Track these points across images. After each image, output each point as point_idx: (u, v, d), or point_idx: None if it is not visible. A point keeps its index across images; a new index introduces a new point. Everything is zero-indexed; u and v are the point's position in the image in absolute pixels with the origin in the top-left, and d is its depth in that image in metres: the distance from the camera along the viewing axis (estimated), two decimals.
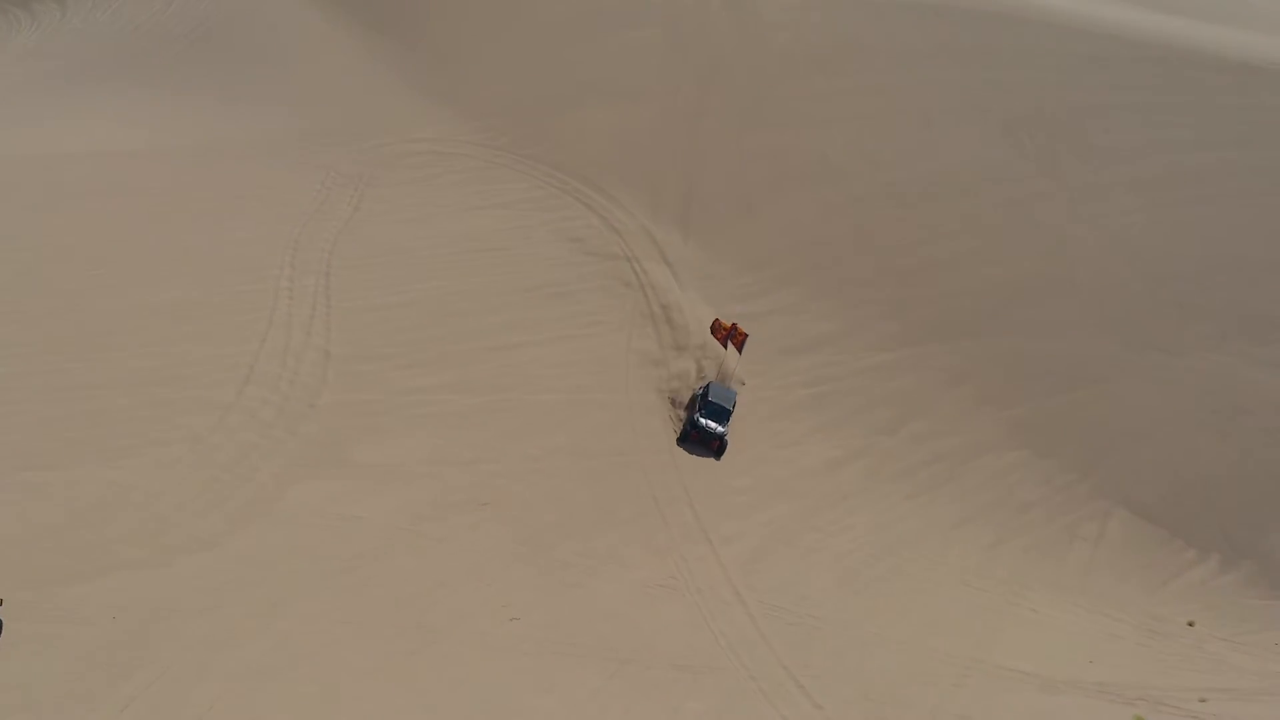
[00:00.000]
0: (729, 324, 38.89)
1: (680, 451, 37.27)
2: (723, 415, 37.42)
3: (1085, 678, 30.27)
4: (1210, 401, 38.68)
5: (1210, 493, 36.72)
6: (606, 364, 38.49)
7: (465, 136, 47.80)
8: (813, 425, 37.47)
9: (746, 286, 40.79)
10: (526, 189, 44.29)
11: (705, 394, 38.21)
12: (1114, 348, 40.02)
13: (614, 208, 43.58)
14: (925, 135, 46.32)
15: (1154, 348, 39.77)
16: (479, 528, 31.46)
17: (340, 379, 35.88)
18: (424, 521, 30.94)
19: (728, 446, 36.97)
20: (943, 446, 37.86)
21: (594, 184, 44.45)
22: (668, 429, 38.08)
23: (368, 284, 40.04)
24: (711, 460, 37.07)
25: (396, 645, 26.70)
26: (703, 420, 37.01)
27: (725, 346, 38.69)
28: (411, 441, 34.21)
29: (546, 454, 34.48)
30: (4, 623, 26.41)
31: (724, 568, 32.09)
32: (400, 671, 25.86)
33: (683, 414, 37.94)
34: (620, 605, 30.37)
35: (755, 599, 31.64)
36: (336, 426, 34.03)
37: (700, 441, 36.67)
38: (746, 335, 38.84)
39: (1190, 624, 34.15)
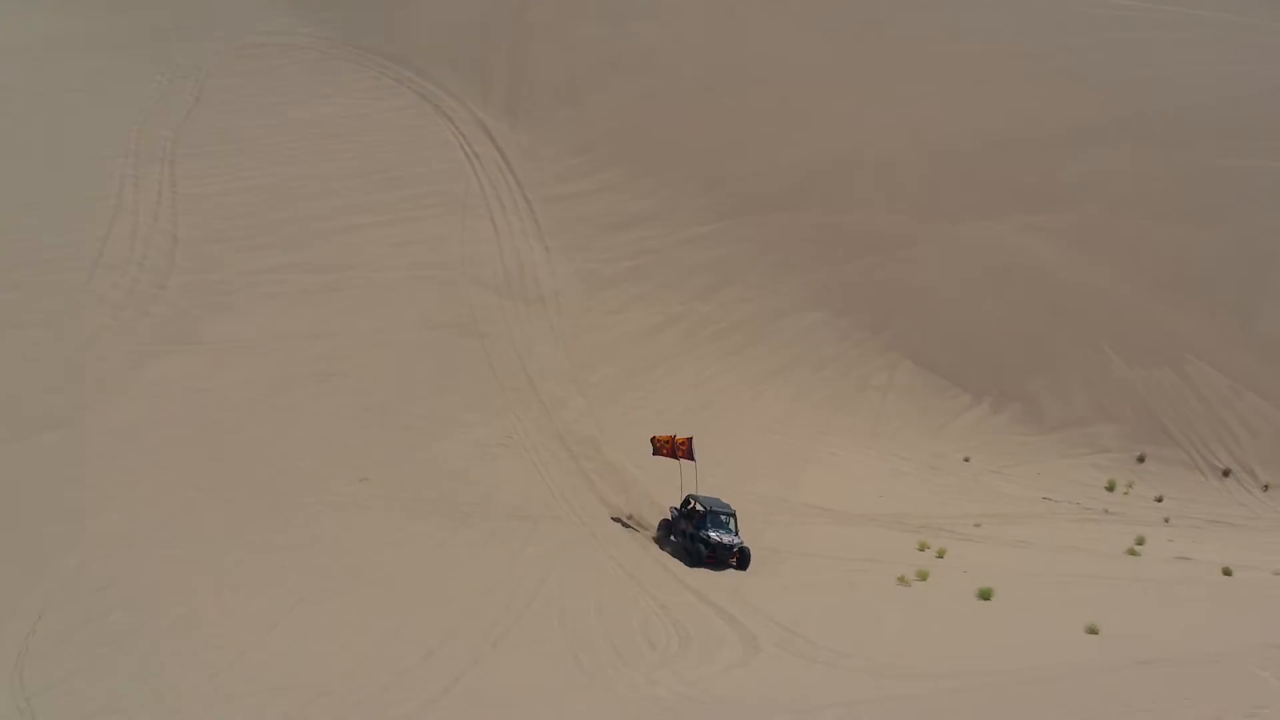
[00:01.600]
0: (666, 437, 33.93)
1: (515, 322, 37.28)
2: (728, 522, 31.46)
3: (876, 510, 32.27)
4: (984, 264, 40.63)
5: (983, 345, 39.06)
6: (443, 242, 38.92)
7: (303, 30, 47.09)
8: (635, 294, 38.50)
9: (573, 168, 41.36)
10: (363, 79, 44.25)
11: (691, 508, 32.02)
12: (901, 218, 41.70)
13: (445, 96, 43.82)
14: (733, 27, 46.75)
15: (936, 217, 41.73)
16: (327, 397, 32.33)
17: (188, 261, 36.36)
18: (274, 393, 31.80)
19: (750, 554, 30.67)
20: (752, 310, 39.20)
21: (426, 74, 44.56)
22: (501, 301, 37.76)
23: (211, 171, 40.05)
24: (543, 330, 37.22)
25: (251, 508, 27.42)
26: (714, 536, 30.53)
27: (676, 457, 33.05)
28: (260, 318, 34.96)
29: (389, 327, 35.26)
30: None
31: (556, 426, 32.92)
32: (256, 532, 26.43)
33: (657, 534, 31.76)
34: (462, 463, 31.23)
35: (584, 451, 32.43)
36: (186, 306, 34.74)
37: (719, 561, 30.19)
38: (690, 439, 33.01)
39: (965, 459, 36.78)
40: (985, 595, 26.43)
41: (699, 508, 31.69)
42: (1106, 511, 35.79)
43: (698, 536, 30.50)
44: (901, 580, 27.87)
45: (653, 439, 33.57)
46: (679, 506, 32.23)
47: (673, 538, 31.32)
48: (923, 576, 28.07)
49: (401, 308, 35.84)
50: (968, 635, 24.33)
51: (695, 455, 32.27)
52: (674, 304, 38.60)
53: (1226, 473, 36.94)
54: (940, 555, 29.91)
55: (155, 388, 30.65)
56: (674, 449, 33.13)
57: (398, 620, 23.34)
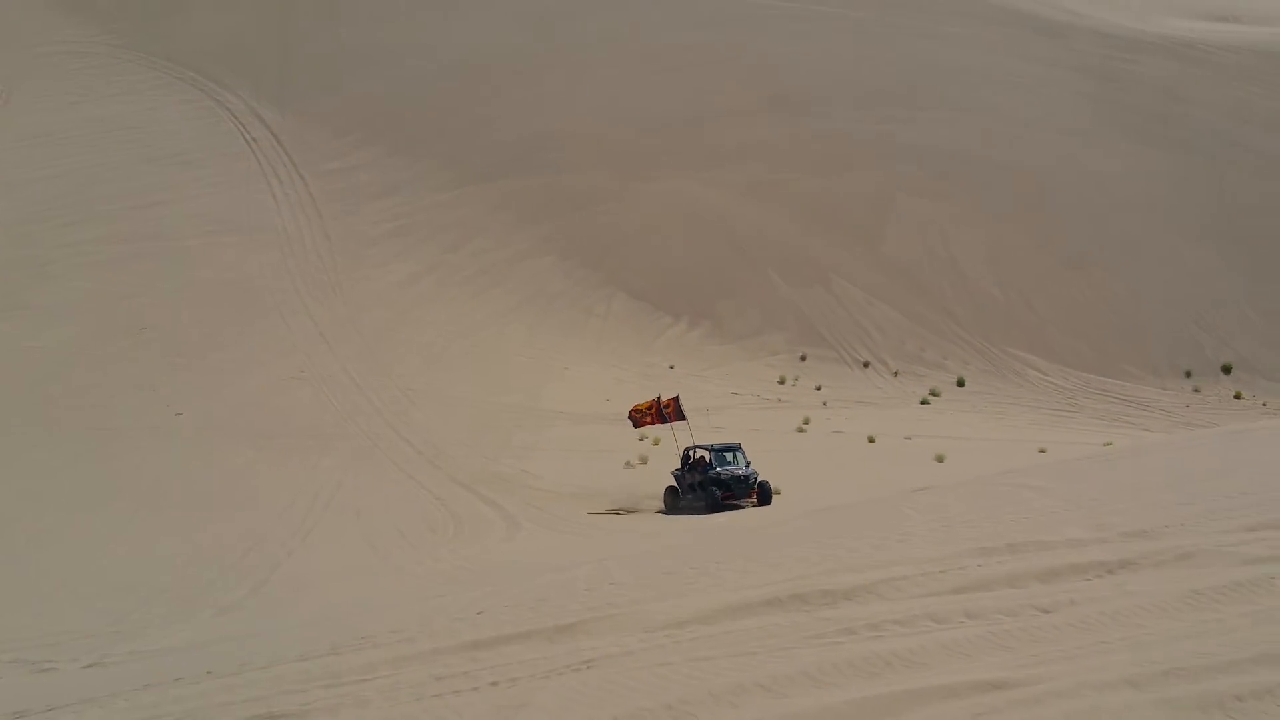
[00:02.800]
0: (646, 404, 30.90)
1: (298, 277, 38.63)
2: (735, 456, 29.04)
3: (603, 412, 34.73)
4: (676, 212, 43.86)
5: (679, 277, 41.82)
6: (231, 212, 40.18)
7: (93, 39, 47.46)
8: (395, 250, 40.42)
9: (337, 148, 43.19)
10: (150, 79, 45.17)
11: (695, 459, 29.12)
12: (609, 178, 44.77)
13: (223, 91, 45.28)
14: (458, 27, 49.26)
15: (637, 177, 44.91)
16: (141, 347, 33.50)
17: (7, 240, 37.45)
18: (95, 345, 33.07)
19: (770, 487, 28.16)
20: (494, 258, 41.67)
21: (205, 73, 45.81)
22: (285, 260, 39.23)
23: (22, 161, 40.71)
24: (322, 282, 38.35)
25: (83, 445, 28.58)
26: (724, 472, 27.95)
27: (665, 420, 30.05)
28: (77, 284, 36.22)
29: (189, 285, 36.70)
30: None
31: (339, 361, 34.70)
32: (90, 461, 27.58)
33: (665, 505, 28.77)
34: (261, 395, 32.39)
35: (365, 380, 33.73)
36: (10, 278, 35.92)
37: (738, 495, 27.61)
38: (675, 398, 30.43)
39: (671, 367, 39.33)
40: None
41: (702, 455, 29.12)
42: (780, 400, 37.57)
43: (709, 479, 27.98)
44: (628, 464, 30.76)
45: (632, 413, 30.99)
46: (680, 465, 29.48)
47: (685, 497, 28.51)
48: (644, 460, 31.10)
49: (199, 269, 37.21)
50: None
51: (684, 412, 30.01)
52: (428, 257, 40.50)
53: (866, 364, 39.57)
54: (656, 443, 32.22)
55: None
56: (659, 413, 30.12)
57: (219, 526, 24.25)
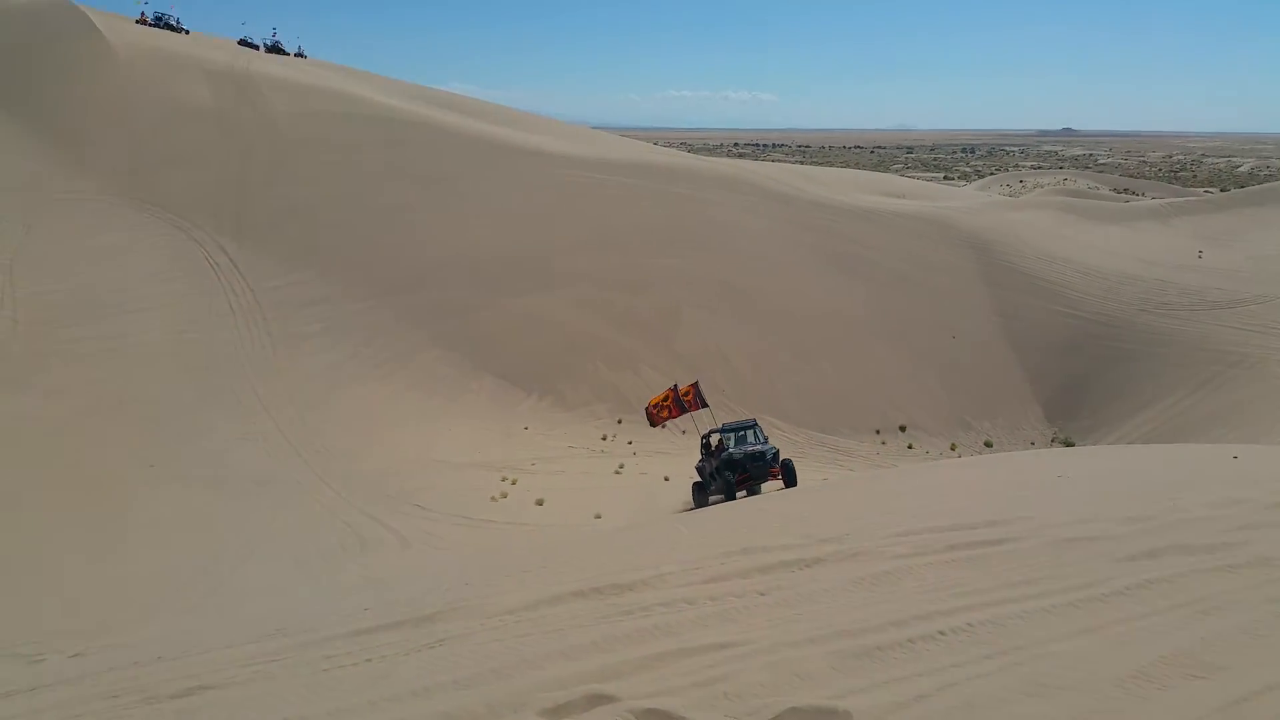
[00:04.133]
0: (661, 396, 24.81)
1: (249, 364, 36.64)
2: (750, 433, 23.20)
3: (478, 459, 34.03)
4: (532, 319, 43.89)
5: (533, 364, 41.69)
6: (197, 315, 38.83)
7: (99, 189, 45.59)
8: (322, 345, 39.38)
9: (279, 270, 42.08)
10: (140, 220, 43.54)
11: (713, 445, 23.57)
12: (481, 296, 44.84)
13: (195, 229, 43.91)
14: (368, 183, 49.39)
15: (502, 295, 45.00)
16: (122, 419, 31.42)
17: (20, 337, 34.90)
18: (85, 417, 31.12)
19: (794, 465, 22.30)
20: (396, 351, 40.77)
21: (182, 215, 44.50)
22: (238, 352, 37.22)
23: (39, 277, 38.27)
24: (267, 368, 36.35)
25: (78, 489, 26.75)
26: (735, 451, 21.88)
27: (686, 410, 24.35)
28: (72, 371, 33.76)
29: (163, 374, 34.81)
30: None
31: (277, 425, 33.19)
32: (83, 502, 26.00)
33: (693, 503, 23.32)
34: (216, 452, 30.54)
35: (297, 440, 32.38)
36: (20, 366, 33.42)
37: (756, 476, 21.65)
38: (694, 385, 25.10)
39: (525, 428, 38.25)
40: (540, 501, 28.76)
41: (718, 438, 23.24)
42: (603, 452, 37.09)
43: (723, 463, 21.59)
44: (493, 498, 29.62)
45: (648, 409, 24.74)
46: (701, 454, 23.68)
47: (711, 487, 22.61)
48: (505, 495, 30.00)
49: (170, 358, 35.80)
50: (531, 519, 26.65)
51: (705, 399, 24.38)
52: (347, 349, 39.56)
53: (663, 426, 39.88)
54: (514, 482, 31.46)
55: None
56: (678, 401, 23.84)
57: (183, 549, 23.64)
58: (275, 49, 67.84)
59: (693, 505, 22.77)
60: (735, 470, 21.64)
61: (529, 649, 7.51)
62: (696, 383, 25.00)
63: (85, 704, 7.82)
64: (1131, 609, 7.41)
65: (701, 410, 25.04)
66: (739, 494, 21.66)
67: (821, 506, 14.75)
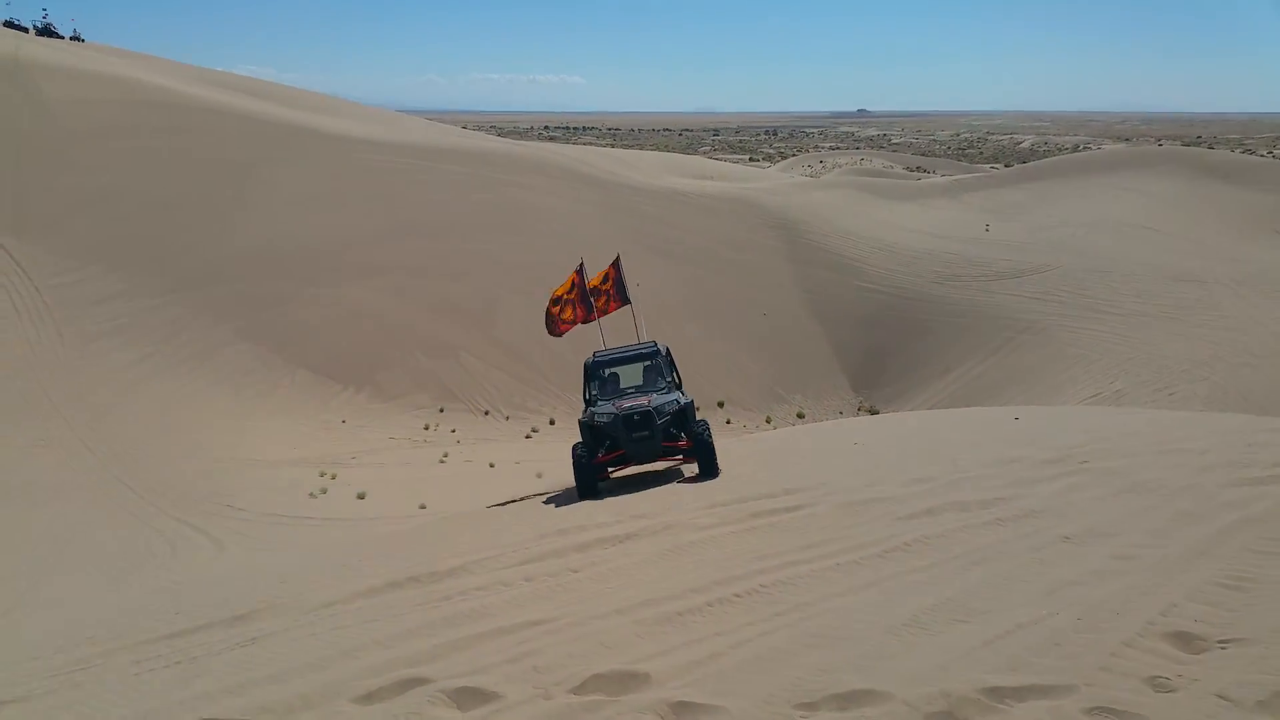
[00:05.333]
0: (566, 284, 16.55)
1: (41, 365, 33.94)
2: (646, 374, 14.80)
3: (294, 456, 32.86)
4: (347, 309, 42.69)
5: (350, 355, 40.64)
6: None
7: None
8: (117, 344, 37.04)
9: (64, 267, 39.47)
10: None
11: (591, 393, 14.64)
12: (288, 287, 42.93)
13: None
14: (160, 173, 46.55)
15: (310, 285, 43.62)
16: None
17: None
18: None
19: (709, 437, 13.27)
20: (198, 348, 38.76)
21: None
22: (31, 351, 34.55)
23: None
24: (59, 368, 33.85)
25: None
26: (605, 412, 13.49)
27: (598, 310, 16.62)
28: None
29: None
30: None
31: (74, 430, 31.25)
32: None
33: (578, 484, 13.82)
34: (10, 461, 28.75)
35: (95, 444, 30.71)
36: None
37: (638, 455, 13.29)
38: (614, 265, 17.25)
39: (343, 421, 37.40)
40: (361, 495, 28.27)
41: (595, 375, 14.52)
42: (426, 441, 36.72)
43: (582, 428, 13.75)
44: (311, 495, 28.81)
45: (548, 310, 16.28)
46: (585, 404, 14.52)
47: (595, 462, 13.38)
48: (324, 490, 29.28)
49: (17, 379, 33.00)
50: (352, 514, 26.02)
51: (626, 289, 16.78)
52: (144, 348, 37.52)
53: (486, 413, 39.56)
54: (333, 477, 30.85)
55: None
56: (585, 295, 16.10)
57: None
58: (47, 31, 62.60)
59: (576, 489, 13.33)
60: (598, 442, 13.08)
61: (345, 640, 7.60)
62: (617, 259, 16.78)
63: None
64: (909, 563, 8.24)
65: (623, 309, 17.00)
66: (612, 472, 13.33)
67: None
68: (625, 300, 17.22)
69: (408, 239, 47.65)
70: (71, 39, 65.42)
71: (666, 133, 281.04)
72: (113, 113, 49.64)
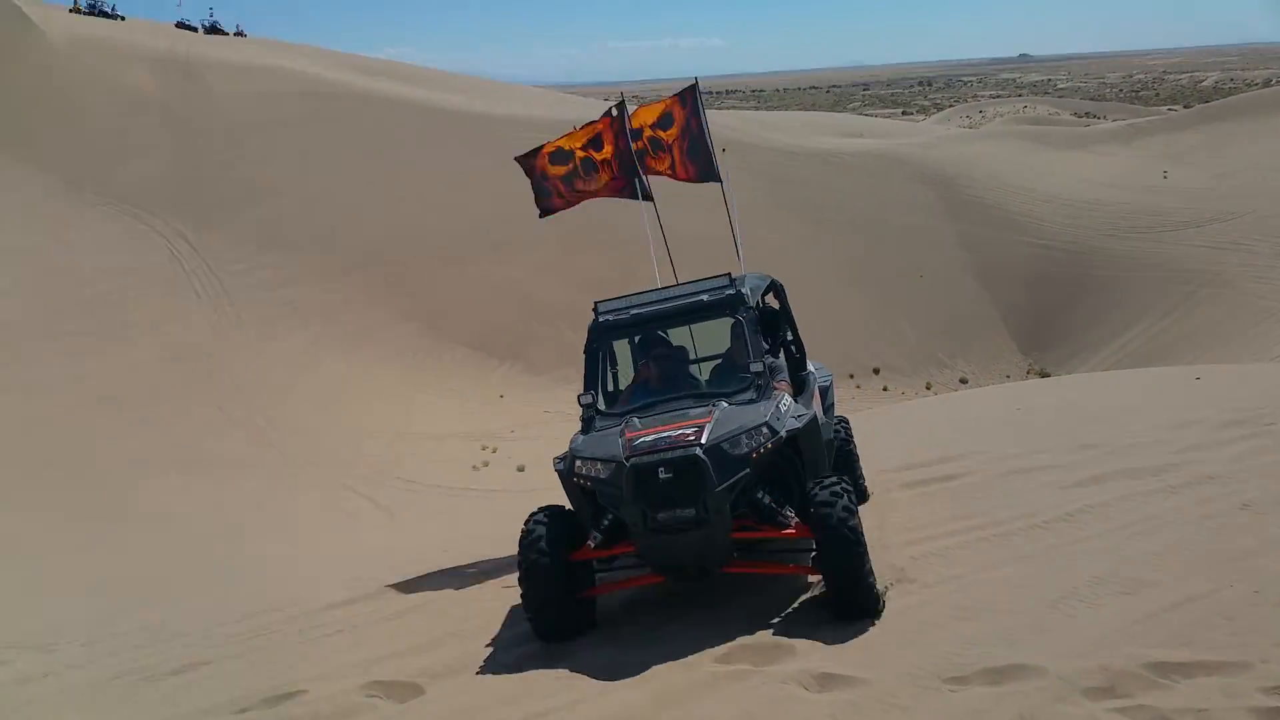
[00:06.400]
0: (584, 132, 10.32)
1: (228, 345, 36.93)
2: (724, 378, 7.21)
3: (457, 430, 34.23)
4: (489, 286, 43.71)
5: (500, 330, 41.94)
6: (168, 304, 38.46)
7: (54, 184, 44.49)
8: (291, 325, 39.13)
9: (241, 255, 41.84)
10: (96, 215, 42.93)
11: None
12: (437, 266, 44.26)
13: (153, 219, 43.47)
14: (316, 163, 48.77)
15: (462, 262, 44.52)
16: (107, 409, 31.21)
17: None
18: (66, 412, 30.76)
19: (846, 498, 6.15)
20: (363, 327, 40.55)
21: (139, 206, 43.98)
22: (215, 334, 37.24)
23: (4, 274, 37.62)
24: (243, 348, 36.54)
25: (69, 476, 26.77)
26: (589, 454, 6.51)
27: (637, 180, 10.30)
28: (59, 367, 33.19)
29: (138, 361, 34.48)
30: None
31: (254, 407, 33.19)
32: (76, 489, 25.90)
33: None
34: (194, 436, 30.54)
35: (275, 420, 32.53)
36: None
37: (679, 553, 6.11)
38: (690, 89, 10.60)
39: (501, 396, 38.62)
40: (521, 468, 29.06)
41: (603, 346, 7.57)
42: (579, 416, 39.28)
43: (563, 480, 6.88)
44: (474, 468, 30.38)
45: (536, 164, 10.54)
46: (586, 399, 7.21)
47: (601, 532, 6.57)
48: (486, 464, 30.79)
49: (144, 351, 35.48)
50: (513, 486, 26.45)
51: (713, 157, 10.72)
52: (314, 330, 39.68)
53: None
54: (494, 450, 32.20)
55: None
56: (618, 145, 10.43)
57: (164, 540, 23.89)
58: (214, 29, 67.11)
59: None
60: (586, 515, 6.87)
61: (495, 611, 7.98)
62: (693, 87, 10.74)
63: (94, 686, 8.21)
64: (1070, 534, 8.00)
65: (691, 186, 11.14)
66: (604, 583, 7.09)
67: None
68: (708, 173, 10.60)
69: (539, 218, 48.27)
70: (235, 34, 69.63)
71: (813, 90, 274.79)
72: (273, 104, 52.52)
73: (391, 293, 43.38)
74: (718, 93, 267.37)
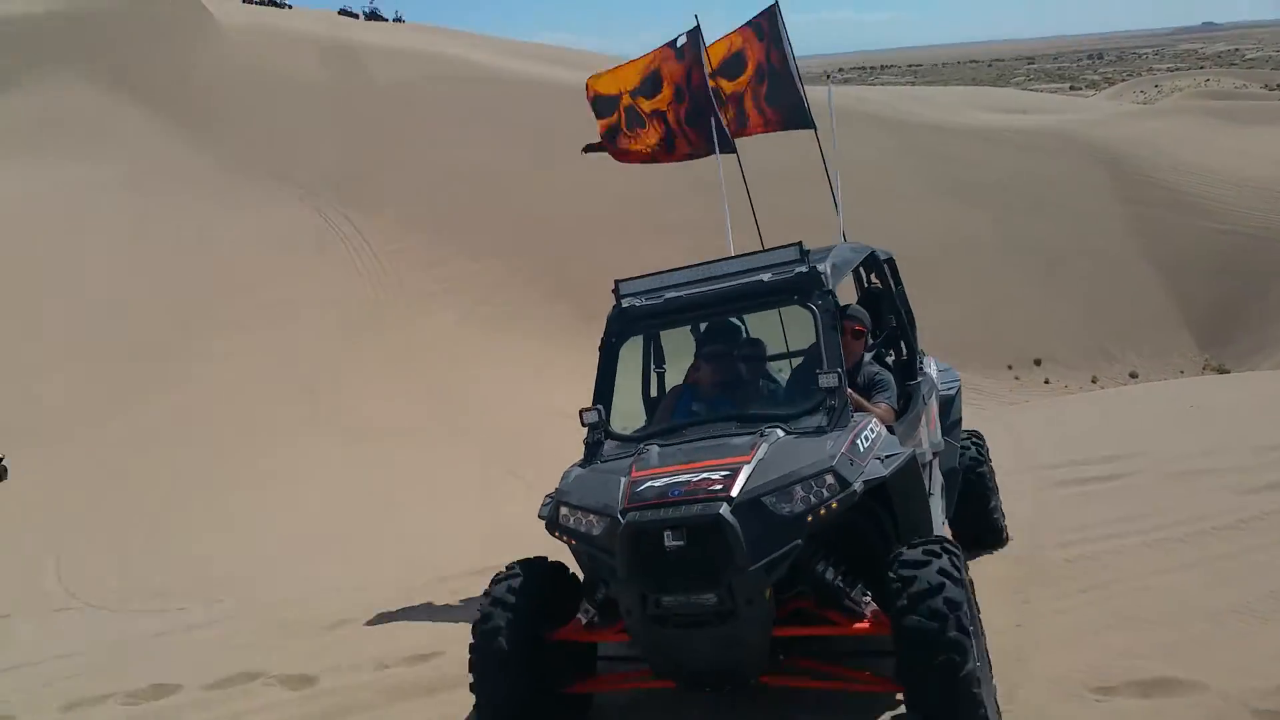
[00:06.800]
0: (646, 59, 8.05)
1: (386, 318, 38.94)
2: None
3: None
4: (639, 266, 45.57)
5: None
6: (330, 279, 40.43)
7: (227, 163, 47.73)
8: (444, 302, 40.39)
9: (397, 235, 43.31)
10: (266, 194, 45.06)
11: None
12: (588, 248, 44.64)
13: (317, 199, 45.64)
14: (476, 148, 49.81)
15: (607, 244, 44.73)
16: (279, 376, 33.14)
17: (168, 311, 37.06)
18: (247, 385, 32.53)
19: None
20: (514, 307, 41.28)
21: (304, 187, 46.16)
22: (374, 310, 39.31)
23: (173, 250, 40.24)
24: (398, 320, 38.47)
25: (250, 443, 28.40)
26: (577, 503, 4.74)
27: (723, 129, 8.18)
28: (230, 341, 35.47)
29: (304, 335, 36.18)
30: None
31: (411, 376, 34.29)
32: (256, 455, 27.34)
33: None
34: (355, 403, 31.60)
35: (432, 389, 33.36)
36: (174, 338, 35.51)
37: (693, 654, 4.31)
38: (769, 13, 8.36)
39: None
40: None
41: (622, 338, 5.68)
42: None
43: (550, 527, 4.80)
44: None
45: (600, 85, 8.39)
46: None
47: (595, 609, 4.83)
48: None
49: (314, 324, 37.33)
50: None
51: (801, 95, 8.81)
52: (465, 307, 40.82)
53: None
54: None
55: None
56: (695, 107, 8.25)
57: (329, 502, 24.36)
58: (374, 15, 70.23)
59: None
60: (586, 579, 5.14)
61: None
62: (772, 8, 8.67)
63: (255, 633, 8.89)
64: (1245, 542, 7.47)
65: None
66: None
67: None
68: (795, 116, 8.75)
69: (697, 196, 45.53)
70: (394, 20, 72.50)
71: (974, 64, 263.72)
72: (432, 89, 54.35)
73: (544, 273, 44.08)
74: (871, 68, 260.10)
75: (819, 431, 4.69)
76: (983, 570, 6.86)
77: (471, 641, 4.79)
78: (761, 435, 4.71)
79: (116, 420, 30.36)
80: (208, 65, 54.70)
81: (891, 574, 4.18)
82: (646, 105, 8.07)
